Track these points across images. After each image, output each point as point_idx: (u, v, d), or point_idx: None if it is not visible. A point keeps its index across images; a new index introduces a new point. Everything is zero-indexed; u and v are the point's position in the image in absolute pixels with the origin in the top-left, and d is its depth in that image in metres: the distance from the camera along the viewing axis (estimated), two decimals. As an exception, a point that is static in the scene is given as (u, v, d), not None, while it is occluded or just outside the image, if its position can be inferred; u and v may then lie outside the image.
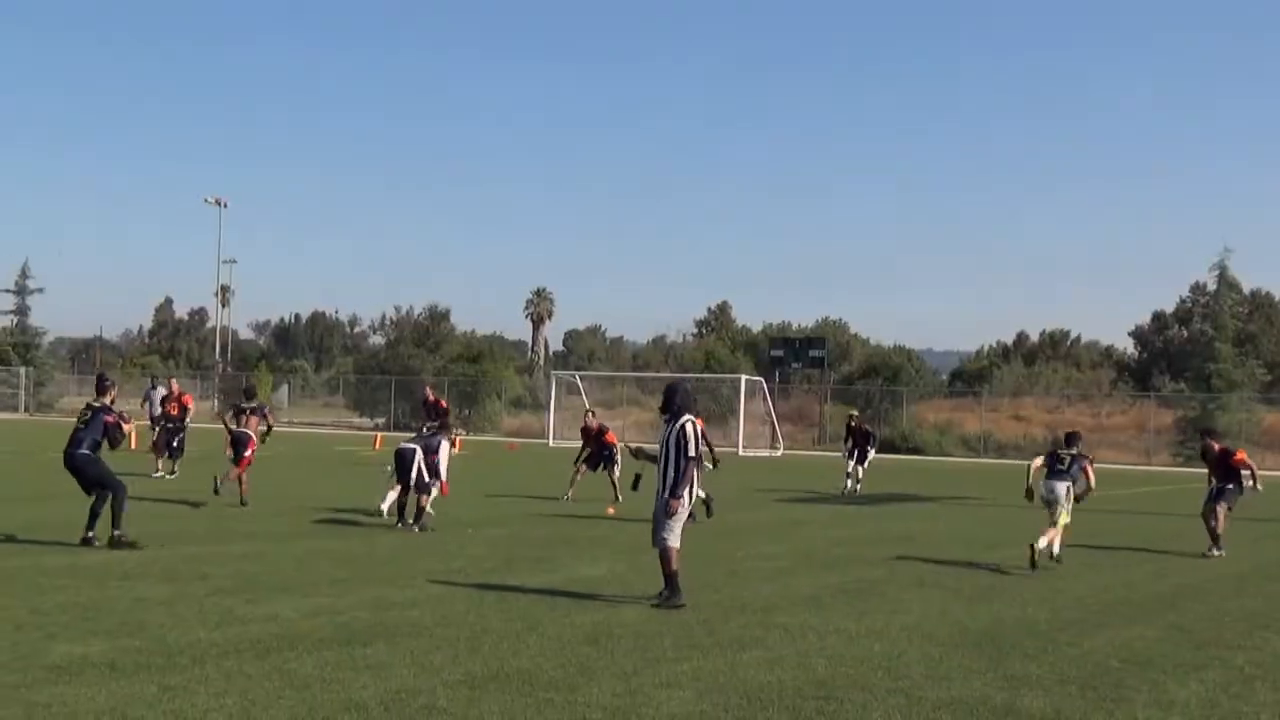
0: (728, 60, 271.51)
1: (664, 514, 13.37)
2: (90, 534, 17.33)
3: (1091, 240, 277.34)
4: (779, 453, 59.04)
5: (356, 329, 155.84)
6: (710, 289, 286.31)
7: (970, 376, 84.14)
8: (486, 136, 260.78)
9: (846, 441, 34.65)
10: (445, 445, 21.69)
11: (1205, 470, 22.61)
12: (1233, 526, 23.14)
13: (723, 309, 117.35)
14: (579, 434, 28.84)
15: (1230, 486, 21.41)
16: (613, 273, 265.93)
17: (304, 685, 9.59)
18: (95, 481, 17.62)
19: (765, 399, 65.17)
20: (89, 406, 17.63)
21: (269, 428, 25.24)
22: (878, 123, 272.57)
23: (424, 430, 22.49)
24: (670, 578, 13.76)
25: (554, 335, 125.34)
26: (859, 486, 34.06)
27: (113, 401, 18.12)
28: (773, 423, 63.35)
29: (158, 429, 32.87)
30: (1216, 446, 22.14)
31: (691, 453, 13.15)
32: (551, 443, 60.86)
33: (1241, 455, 21.78)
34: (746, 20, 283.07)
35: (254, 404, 24.67)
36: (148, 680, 9.61)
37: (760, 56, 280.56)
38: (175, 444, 31.22)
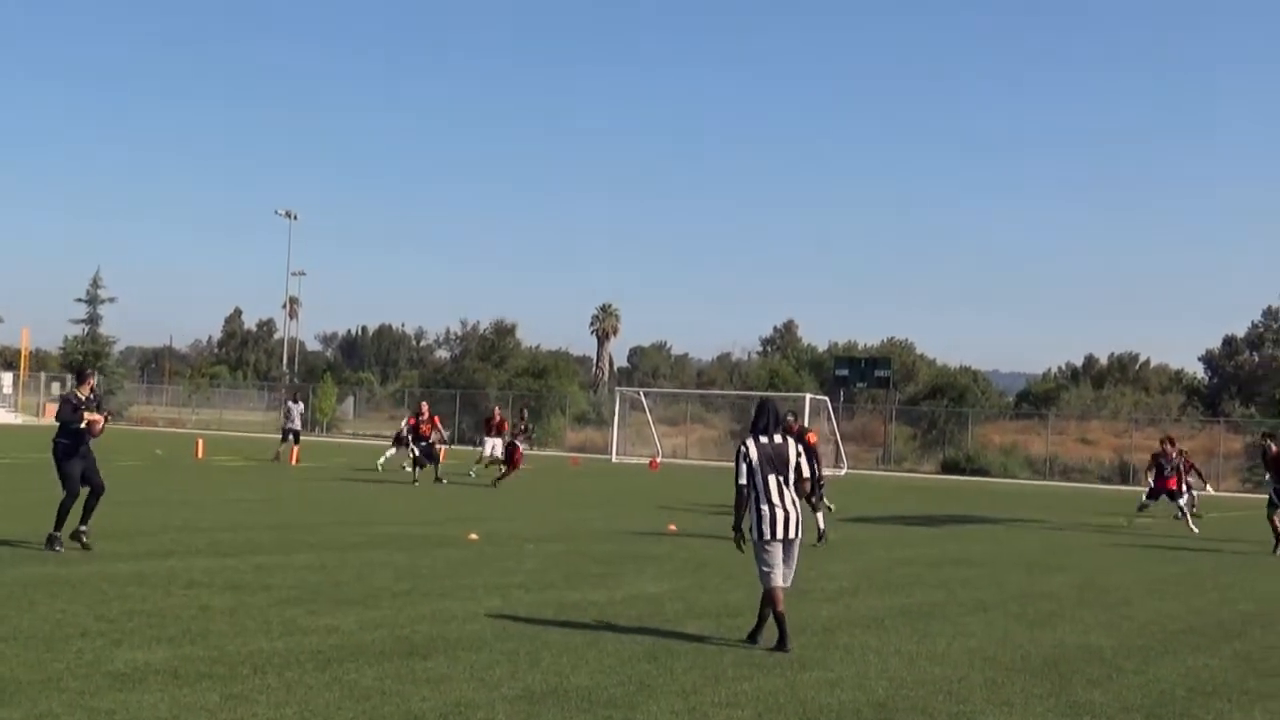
0: (792, 69, 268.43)
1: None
2: (82, 527, 17.24)
3: (1163, 263, 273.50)
4: (842, 472, 57.91)
5: (422, 342, 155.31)
6: (777, 306, 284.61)
7: (1037, 399, 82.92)
8: (554, 148, 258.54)
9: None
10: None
11: (1269, 477, 23.06)
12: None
13: (789, 327, 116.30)
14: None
15: None
16: (679, 289, 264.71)
17: (364, 697, 9.56)
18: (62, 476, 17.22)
19: (830, 418, 64.23)
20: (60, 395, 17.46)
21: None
22: (949, 138, 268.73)
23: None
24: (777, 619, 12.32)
25: (619, 351, 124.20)
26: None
27: (91, 391, 17.60)
28: (836, 442, 62.27)
29: (413, 442, 37.04)
30: (1274, 447, 22.70)
31: (742, 480, 11.63)
32: (614, 458, 60.36)
33: None
34: (822, 30, 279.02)
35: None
36: (210, 688, 9.60)
37: (837, 69, 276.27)
38: (427, 454, 36.12)
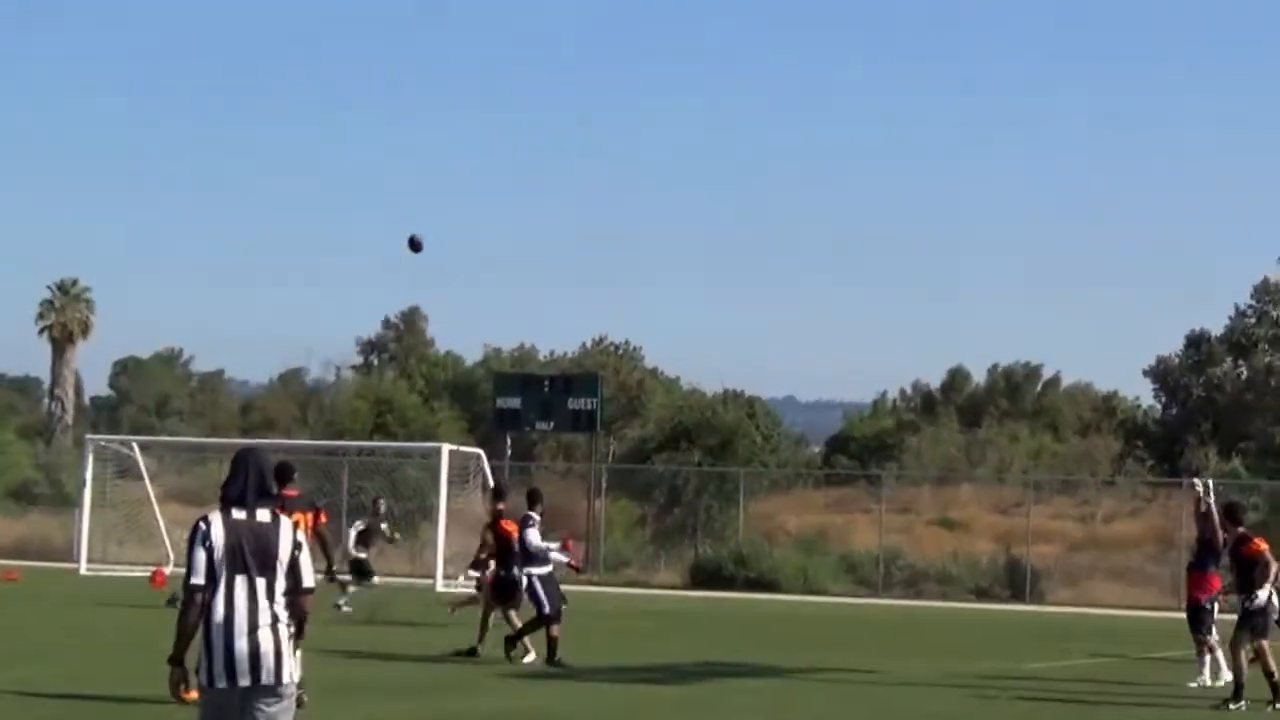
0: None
1: None
2: None
3: (1087, 228, 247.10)
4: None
5: None
6: (389, 287, 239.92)
7: (862, 448, 70.32)
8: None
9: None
10: None
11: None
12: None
13: (409, 321, 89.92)
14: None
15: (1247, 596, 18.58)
16: (207, 262, 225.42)
17: None
18: None
19: (486, 486, 43.49)
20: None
21: None
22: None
23: None
24: None
25: (93, 366, 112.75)
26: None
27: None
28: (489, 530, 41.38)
29: None
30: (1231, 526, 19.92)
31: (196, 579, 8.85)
32: (84, 568, 44.65)
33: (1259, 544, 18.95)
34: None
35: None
36: None
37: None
38: None
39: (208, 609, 8.80)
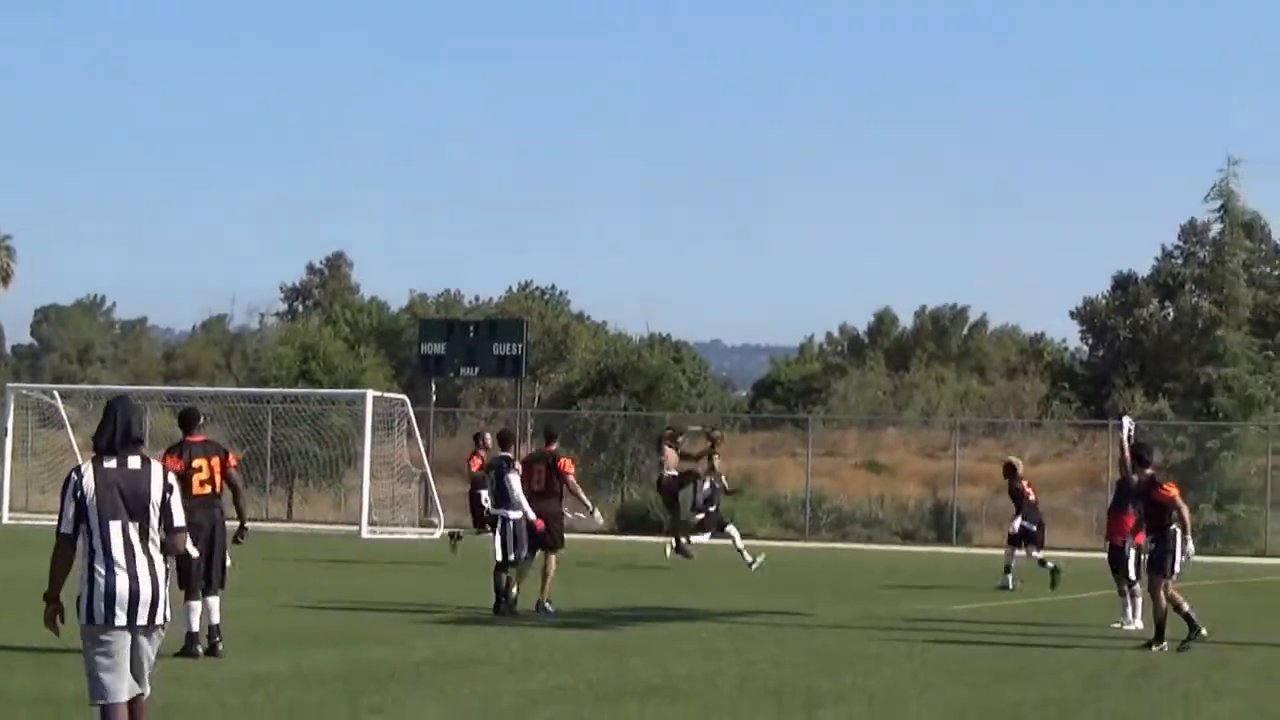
0: None
1: None
2: None
3: (1015, 170, 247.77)
4: (435, 534, 41.86)
5: None
6: (312, 231, 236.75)
7: (789, 392, 70.89)
8: None
9: None
10: None
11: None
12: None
13: (333, 266, 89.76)
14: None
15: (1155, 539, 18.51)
16: (133, 210, 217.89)
17: None
18: None
19: (412, 432, 45.58)
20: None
21: None
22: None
23: None
24: None
25: (12, 315, 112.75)
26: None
27: None
28: (425, 478, 45.36)
29: None
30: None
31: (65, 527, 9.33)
32: (6, 517, 44.78)
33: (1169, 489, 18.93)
34: None
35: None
36: None
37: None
38: None
39: (90, 553, 9.23)
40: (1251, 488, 46.50)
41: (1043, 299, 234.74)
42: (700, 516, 30.12)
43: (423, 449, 44.31)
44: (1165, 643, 17.65)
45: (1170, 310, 72.51)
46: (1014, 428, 62.57)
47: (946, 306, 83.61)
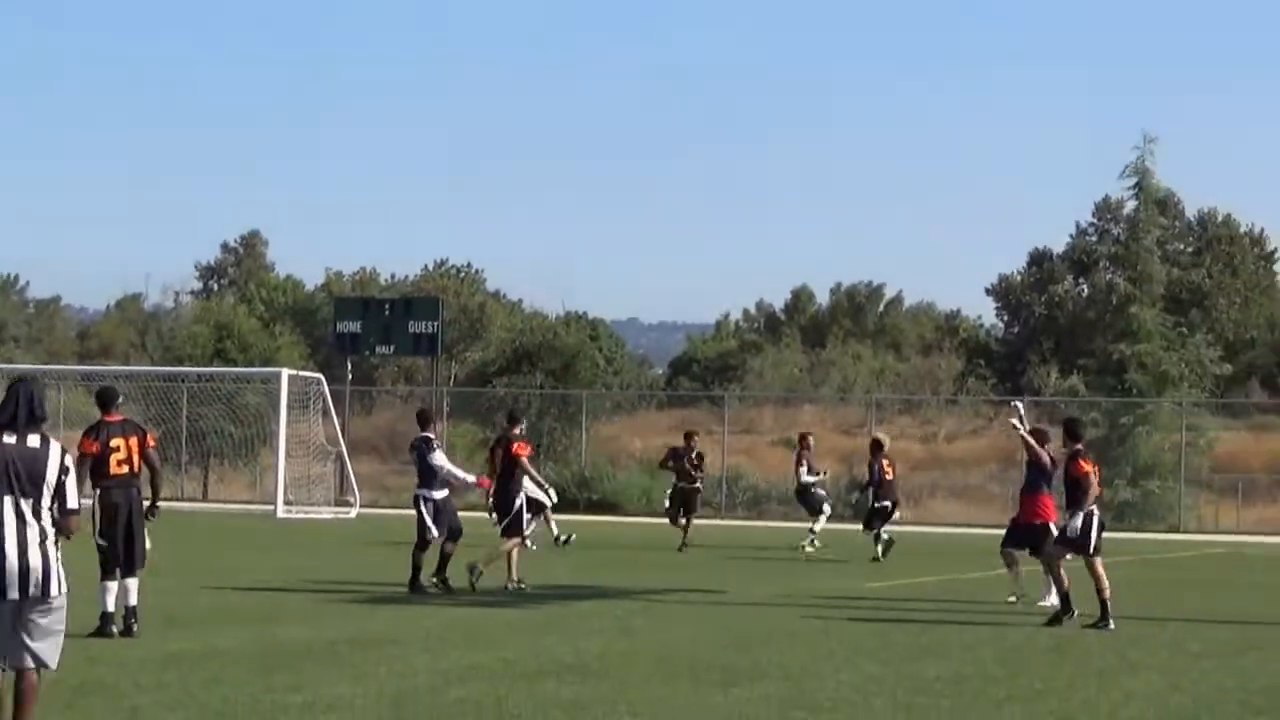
0: None
1: None
2: None
3: (929, 146, 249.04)
4: (351, 513, 42.70)
5: None
6: (230, 209, 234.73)
7: (706, 369, 71.19)
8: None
9: None
10: None
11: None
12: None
13: (249, 245, 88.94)
14: None
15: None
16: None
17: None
18: None
19: (327, 411, 45.46)
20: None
21: None
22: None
23: None
24: None
25: None
26: None
27: None
28: (341, 456, 45.14)
29: None
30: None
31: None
32: None
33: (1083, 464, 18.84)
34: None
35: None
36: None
37: None
38: None
39: None
40: (1165, 464, 46.84)
41: (958, 276, 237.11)
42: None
43: (338, 427, 43.79)
44: (1074, 612, 17.58)
45: (1085, 287, 72.52)
46: (930, 404, 62.85)
47: (862, 283, 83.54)
